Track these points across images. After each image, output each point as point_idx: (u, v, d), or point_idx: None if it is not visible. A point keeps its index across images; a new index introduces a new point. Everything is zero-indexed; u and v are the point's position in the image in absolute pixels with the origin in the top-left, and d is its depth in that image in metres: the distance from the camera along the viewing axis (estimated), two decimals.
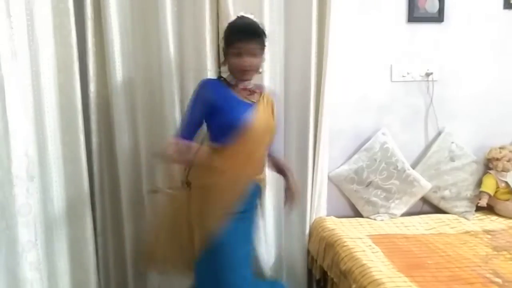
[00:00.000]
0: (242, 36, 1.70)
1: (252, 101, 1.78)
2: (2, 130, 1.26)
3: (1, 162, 1.26)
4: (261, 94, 1.83)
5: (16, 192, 1.27)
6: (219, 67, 1.87)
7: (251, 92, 1.80)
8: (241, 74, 1.75)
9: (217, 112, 1.71)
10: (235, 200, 1.74)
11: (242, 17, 1.80)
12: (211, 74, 2.09)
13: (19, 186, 1.28)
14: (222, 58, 1.84)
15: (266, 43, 1.79)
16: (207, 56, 2.08)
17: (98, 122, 2.09)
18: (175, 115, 2.11)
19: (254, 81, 1.83)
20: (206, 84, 1.78)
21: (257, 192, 1.86)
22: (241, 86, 1.78)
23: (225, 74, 1.82)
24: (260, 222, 2.05)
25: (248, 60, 1.71)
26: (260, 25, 1.78)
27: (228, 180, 1.73)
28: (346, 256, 2.01)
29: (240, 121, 1.69)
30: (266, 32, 1.78)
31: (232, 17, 2.01)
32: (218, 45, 2.10)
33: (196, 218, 1.75)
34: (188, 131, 1.74)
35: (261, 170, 1.86)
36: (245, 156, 1.74)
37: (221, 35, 2.05)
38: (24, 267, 1.29)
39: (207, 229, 1.72)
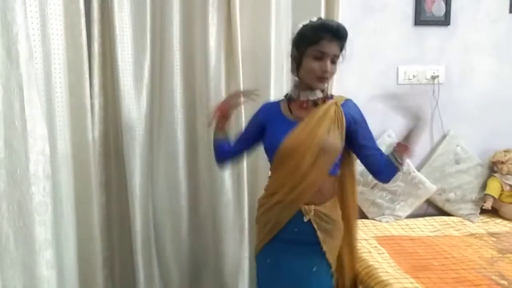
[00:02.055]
0: (328, 36, 1.49)
1: (301, 118, 1.57)
2: (20, 129, 1.27)
3: (19, 160, 1.28)
4: (324, 104, 1.58)
5: (33, 190, 1.28)
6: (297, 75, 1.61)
7: (313, 104, 1.58)
8: (318, 81, 1.54)
9: (264, 136, 1.64)
10: (275, 224, 1.59)
11: (321, 18, 1.63)
12: (214, 76, 2.09)
13: (36, 185, 1.29)
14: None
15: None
16: (211, 59, 2.08)
17: (104, 122, 2.10)
18: (180, 115, 2.13)
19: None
20: (261, 108, 1.72)
21: (301, 225, 1.56)
22: (302, 98, 1.58)
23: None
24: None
25: (329, 66, 1.51)
26: (346, 29, 1.54)
27: (269, 205, 1.61)
28: None
29: (275, 143, 1.56)
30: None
31: (239, 22, 2.05)
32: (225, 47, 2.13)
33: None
34: (238, 142, 1.75)
35: (310, 199, 1.56)
36: (281, 180, 1.58)
37: (229, 36, 2.09)
38: (41, 265, 1.30)
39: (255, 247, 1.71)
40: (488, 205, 2.48)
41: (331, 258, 1.60)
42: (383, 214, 2.48)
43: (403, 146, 1.58)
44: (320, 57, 1.50)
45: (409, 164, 2.48)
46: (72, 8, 1.83)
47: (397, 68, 2.49)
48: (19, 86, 1.25)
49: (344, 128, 1.56)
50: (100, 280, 2.00)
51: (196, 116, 2.18)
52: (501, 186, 2.50)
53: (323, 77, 1.53)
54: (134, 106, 2.09)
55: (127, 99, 2.05)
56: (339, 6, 2.17)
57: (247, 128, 1.77)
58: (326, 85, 1.61)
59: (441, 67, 2.53)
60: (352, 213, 1.72)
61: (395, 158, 1.57)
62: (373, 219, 2.48)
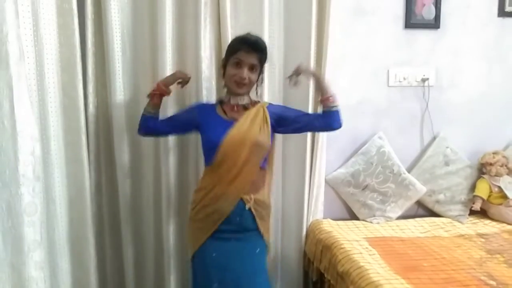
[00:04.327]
0: (245, 47, 1.76)
1: (235, 119, 1.80)
2: (10, 129, 1.26)
3: (8, 161, 1.27)
4: (253, 107, 1.84)
5: (22, 191, 1.27)
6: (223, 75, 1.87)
7: (243, 108, 1.83)
8: (236, 86, 1.79)
9: (201, 135, 1.84)
10: (215, 219, 1.77)
11: (249, 33, 1.85)
12: (206, 76, 2.10)
13: (26, 185, 1.28)
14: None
15: (266, 65, 1.87)
16: (203, 59, 2.09)
17: (97, 123, 2.09)
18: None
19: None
20: (197, 105, 1.96)
21: (243, 213, 1.78)
22: (233, 102, 1.83)
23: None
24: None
25: (246, 73, 1.76)
26: (265, 43, 1.84)
27: (210, 199, 1.78)
28: (343, 258, 2.04)
29: (215, 141, 1.75)
30: (268, 50, 1.85)
31: (231, 19, 2.07)
32: (217, 49, 2.13)
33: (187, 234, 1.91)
34: (166, 125, 1.92)
35: (248, 189, 1.78)
36: (221, 174, 1.76)
37: (220, 38, 2.10)
38: (29, 266, 1.29)
39: (190, 247, 1.86)
40: (477, 206, 2.51)
41: (266, 237, 1.85)
42: (374, 215, 2.49)
43: (325, 97, 1.86)
44: (239, 64, 1.76)
45: (400, 165, 2.50)
46: (65, 8, 1.83)
47: (388, 70, 2.52)
48: (9, 86, 1.24)
49: (270, 127, 1.82)
50: (94, 282, 1.99)
51: None
52: (490, 187, 2.53)
53: (241, 83, 1.78)
54: (127, 106, 2.08)
55: (119, 99, 2.05)
56: (330, 9, 2.18)
57: (178, 116, 1.96)
58: (246, 90, 1.82)
59: (431, 70, 2.55)
60: None
61: (329, 107, 1.86)
62: (364, 220, 2.49)
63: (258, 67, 1.82)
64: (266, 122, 1.82)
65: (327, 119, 1.88)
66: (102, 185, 2.16)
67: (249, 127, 1.78)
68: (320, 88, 1.91)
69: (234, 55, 1.77)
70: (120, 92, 2.05)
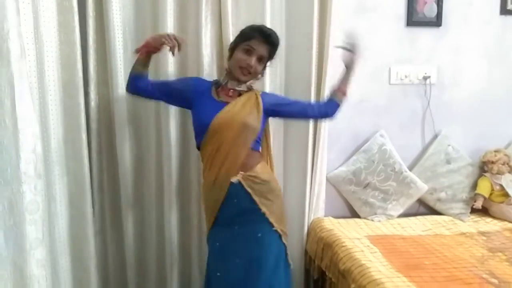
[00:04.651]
0: (259, 36, 1.76)
1: (226, 102, 1.80)
2: (11, 127, 1.26)
3: (9, 159, 1.26)
4: (247, 92, 1.84)
5: (24, 189, 1.27)
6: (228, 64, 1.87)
7: (237, 94, 1.82)
8: (241, 72, 1.79)
9: (192, 114, 1.84)
10: (213, 208, 1.79)
11: (265, 26, 1.88)
12: (207, 73, 2.09)
13: (27, 183, 1.28)
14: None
15: (274, 59, 1.87)
16: (204, 56, 2.08)
17: (98, 121, 2.09)
18: (176, 113, 2.12)
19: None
20: (196, 79, 1.94)
21: (238, 193, 1.75)
22: (230, 86, 1.82)
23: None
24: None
25: (254, 61, 1.76)
26: (279, 39, 1.85)
27: (206, 188, 1.81)
28: (345, 256, 2.03)
29: (205, 122, 1.76)
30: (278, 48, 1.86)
31: (232, 17, 2.06)
32: (218, 46, 2.13)
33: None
34: (157, 89, 1.87)
35: (237, 170, 1.75)
36: (211, 155, 1.76)
37: (221, 36, 2.09)
38: (31, 264, 1.29)
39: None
40: (478, 204, 2.50)
41: (272, 218, 1.77)
42: (375, 213, 2.49)
43: (343, 89, 1.90)
44: (249, 51, 1.76)
45: (401, 163, 2.50)
46: (65, 5, 1.82)
47: (389, 68, 2.51)
48: (10, 84, 1.23)
49: (262, 112, 1.81)
50: (94, 280, 1.99)
51: (188, 114, 2.16)
52: (491, 185, 2.53)
53: (246, 69, 1.77)
54: (129, 104, 2.08)
55: (121, 96, 2.04)
56: (331, 6, 2.17)
57: (172, 83, 1.93)
58: (247, 79, 1.82)
59: (432, 68, 2.55)
60: None
61: (339, 99, 1.89)
62: (365, 218, 2.49)
63: (266, 60, 1.82)
64: (258, 107, 1.81)
65: (328, 108, 1.91)
66: (104, 183, 2.16)
67: (239, 109, 1.78)
68: (345, 80, 1.91)
69: (246, 41, 1.77)
70: (121, 89, 2.04)
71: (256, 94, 1.85)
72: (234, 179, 1.75)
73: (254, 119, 1.79)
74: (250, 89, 1.87)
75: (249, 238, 1.76)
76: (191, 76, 2.01)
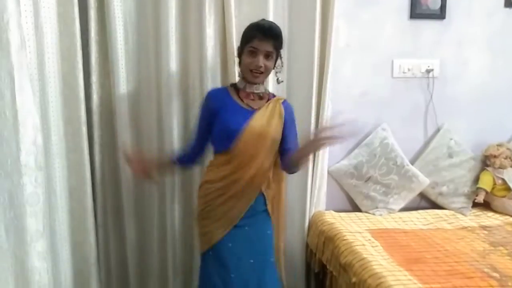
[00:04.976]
0: (259, 34, 1.70)
1: (253, 108, 1.77)
2: (11, 119, 1.25)
3: (10, 151, 1.25)
4: (268, 100, 1.82)
5: (24, 181, 1.26)
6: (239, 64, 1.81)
7: (258, 97, 1.80)
8: (252, 76, 1.74)
9: (217, 121, 1.77)
10: (234, 216, 1.77)
11: (264, 19, 1.81)
12: (210, 66, 2.09)
13: (28, 175, 1.27)
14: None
15: (282, 50, 1.80)
16: (207, 49, 2.07)
17: (100, 113, 2.08)
18: (177, 105, 2.11)
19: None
20: (208, 96, 1.85)
21: (256, 198, 1.80)
22: (248, 90, 1.78)
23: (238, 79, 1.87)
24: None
25: (261, 61, 1.71)
26: (279, 29, 1.77)
27: (226, 196, 1.76)
28: (346, 249, 2.03)
29: (234, 128, 1.72)
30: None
31: (235, 8, 2.04)
32: (221, 38, 2.11)
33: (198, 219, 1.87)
34: (197, 140, 1.86)
35: (263, 181, 1.79)
36: (239, 164, 1.73)
37: (225, 28, 2.08)
38: (32, 256, 1.29)
39: (204, 244, 1.83)
40: (480, 198, 2.49)
41: (273, 218, 1.89)
42: (377, 207, 2.48)
43: (305, 160, 1.82)
44: (254, 53, 1.71)
45: (403, 157, 2.49)
46: None
47: (392, 61, 2.49)
48: (10, 75, 1.22)
49: (282, 124, 1.80)
50: (95, 272, 1.99)
51: (188, 105, 2.16)
52: (494, 179, 2.52)
53: (256, 72, 1.72)
54: (130, 96, 2.07)
55: (122, 89, 2.03)
56: None
57: (200, 122, 1.85)
58: (262, 79, 1.78)
59: (436, 61, 2.53)
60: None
61: (296, 167, 1.82)
62: (366, 212, 2.49)
63: (274, 54, 1.75)
64: (280, 119, 1.79)
65: (287, 166, 1.83)
66: (106, 176, 2.15)
67: (268, 121, 1.76)
68: (307, 151, 1.73)
69: (248, 44, 1.72)
70: (123, 81, 2.03)
71: (278, 103, 1.82)
72: (264, 190, 1.81)
73: (279, 132, 1.79)
74: (268, 94, 1.85)
75: (260, 237, 1.81)
76: (203, 100, 1.86)
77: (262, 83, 1.82)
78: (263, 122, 1.75)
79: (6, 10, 1.26)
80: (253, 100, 1.79)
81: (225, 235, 1.77)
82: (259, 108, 1.78)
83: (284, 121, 1.81)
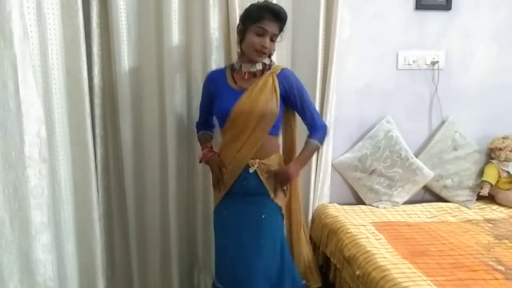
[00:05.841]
0: (269, 16, 1.72)
1: (245, 89, 1.80)
2: (15, 111, 1.24)
3: (14, 143, 1.25)
4: (262, 74, 1.82)
5: (29, 173, 1.26)
6: (240, 47, 1.83)
7: (253, 75, 1.81)
8: (256, 54, 1.76)
9: (214, 104, 1.88)
10: (227, 183, 1.83)
11: (270, 1, 1.82)
12: (214, 58, 2.08)
13: (32, 167, 1.27)
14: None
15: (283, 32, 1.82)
16: (211, 40, 2.06)
17: (103, 105, 2.07)
18: (179, 99, 2.10)
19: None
20: (207, 79, 1.94)
21: (249, 177, 1.81)
22: (244, 69, 1.80)
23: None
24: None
25: (268, 42, 1.74)
26: (286, 13, 1.79)
27: (225, 158, 1.86)
28: (350, 242, 2.03)
29: (225, 111, 1.80)
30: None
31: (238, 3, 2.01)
32: (224, 29, 2.09)
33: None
34: (203, 119, 2.02)
35: (253, 154, 1.80)
36: (230, 139, 1.82)
37: (228, 18, 2.06)
38: (37, 248, 1.29)
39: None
40: (485, 191, 2.48)
41: (280, 202, 1.87)
42: (381, 200, 2.48)
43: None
44: (261, 34, 1.73)
45: (407, 150, 2.47)
46: None
47: (397, 53, 2.47)
48: (13, 66, 1.21)
49: (279, 95, 1.80)
50: (100, 264, 1.99)
51: (192, 96, 2.14)
52: (498, 172, 2.51)
53: (262, 52, 1.75)
54: (133, 87, 2.06)
55: (124, 80, 2.02)
56: None
57: (202, 102, 1.99)
58: (262, 59, 1.80)
59: (441, 53, 2.50)
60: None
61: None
62: (370, 205, 2.48)
63: (278, 37, 1.79)
64: (275, 91, 1.80)
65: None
66: (110, 168, 2.15)
67: (257, 96, 1.78)
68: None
69: (257, 23, 1.72)
70: (125, 73, 2.02)
71: (272, 76, 1.82)
72: (251, 169, 1.80)
73: (272, 104, 1.79)
74: (265, 68, 1.83)
75: (253, 218, 1.82)
76: (204, 82, 1.95)
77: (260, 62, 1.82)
78: (250, 98, 1.78)
79: (9, 1, 1.24)
80: (247, 80, 1.81)
81: (222, 200, 1.86)
82: (251, 87, 1.81)
83: (285, 93, 1.83)
